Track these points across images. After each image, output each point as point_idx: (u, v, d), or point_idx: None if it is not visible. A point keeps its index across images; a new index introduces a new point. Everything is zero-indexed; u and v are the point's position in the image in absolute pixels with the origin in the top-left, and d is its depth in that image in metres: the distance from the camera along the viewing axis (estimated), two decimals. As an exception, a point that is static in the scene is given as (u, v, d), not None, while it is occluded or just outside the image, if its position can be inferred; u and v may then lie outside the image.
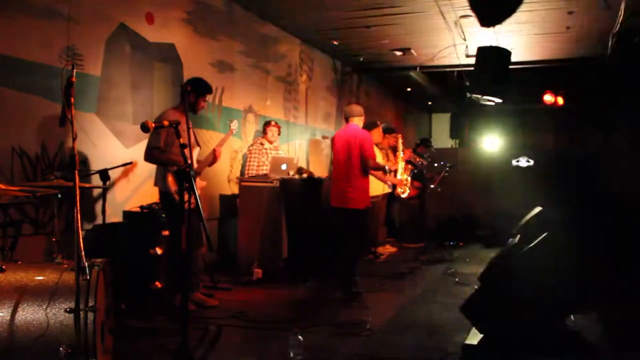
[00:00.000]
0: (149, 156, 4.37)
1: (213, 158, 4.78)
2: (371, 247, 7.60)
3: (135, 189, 5.19)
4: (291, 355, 3.24)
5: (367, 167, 5.30)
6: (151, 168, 5.05)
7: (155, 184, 4.50)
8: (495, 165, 10.08)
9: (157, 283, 4.47)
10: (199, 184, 4.67)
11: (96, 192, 4.73)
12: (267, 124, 6.61)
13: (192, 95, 4.40)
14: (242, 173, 6.60)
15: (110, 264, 3.00)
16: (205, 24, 6.14)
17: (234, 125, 5.12)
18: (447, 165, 8.66)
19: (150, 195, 4.95)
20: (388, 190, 7.62)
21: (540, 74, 9.77)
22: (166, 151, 4.31)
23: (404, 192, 7.40)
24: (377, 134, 7.52)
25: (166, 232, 4.52)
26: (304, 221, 5.98)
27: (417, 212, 8.96)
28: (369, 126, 7.66)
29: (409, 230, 9.09)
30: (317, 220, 6.18)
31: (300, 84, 8.38)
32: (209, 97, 6.24)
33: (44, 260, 3.86)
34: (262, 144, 6.46)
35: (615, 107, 10.21)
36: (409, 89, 11.92)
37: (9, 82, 4.00)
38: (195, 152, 4.70)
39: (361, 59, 9.38)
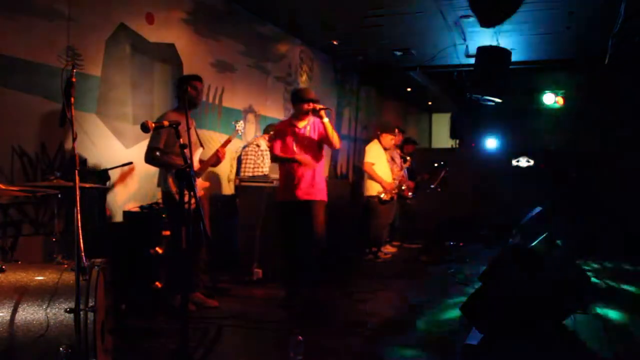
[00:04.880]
0: (149, 157, 4.39)
1: (217, 159, 4.77)
2: (372, 248, 7.61)
3: (138, 190, 5.19)
4: (291, 355, 3.24)
5: None
6: (155, 169, 5.06)
7: (159, 185, 4.53)
8: (495, 165, 10.07)
9: (157, 283, 4.48)
10: (201, 184, 4.69)
11: (97, 192, 4.73)
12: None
13: (184, 89, 4.40)
14: (237, 174, 6.58)
15: (110, 264, 3.00)
16: (205, 24, 6.14)
17: (240, 126, 5.11)
18: (445, 165, 8.68)
19: (153, 196, 4.96)
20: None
21: (540, 74, 9.77)
22: (167, 152, 4.31)
23: (387, 198, 7.48)
24: (386, 138, 7.62)
25: (166, 232, 4.52)
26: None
27: (415, 212, 8.98)
28: (381, 128, 7.88)
29: (408, 230, 9.10)
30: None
31: (300, 84, 8.38)
32: (211, 99, 6.29)
33: (44, 260, 3.87)
34: (258, 145, 6.44)
35: (615, 107, 10.21)
36: (409, 89, 11.91)
37: (9, 82, 4.00)
38: (199, 152, 4.71)
39: (361, 59, 9.38)
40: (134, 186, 5.16)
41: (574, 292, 3.74)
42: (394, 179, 7.65)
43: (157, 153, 4.33)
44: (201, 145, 4.74)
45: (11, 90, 4.02)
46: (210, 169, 5.12)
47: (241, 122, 5.13)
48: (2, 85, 3.95)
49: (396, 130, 7.89)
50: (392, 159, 7.90)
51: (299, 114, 5.12)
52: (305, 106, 5.04)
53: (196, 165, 4.70)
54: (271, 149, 5.28)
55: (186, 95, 4.35)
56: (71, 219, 4.28)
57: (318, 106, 5.00)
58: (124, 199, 5.05)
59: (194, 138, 4.66)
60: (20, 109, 4.09)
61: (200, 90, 4.61)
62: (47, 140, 4.29)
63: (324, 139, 5.07)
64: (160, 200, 4.69)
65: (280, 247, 5.21)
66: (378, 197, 7.46)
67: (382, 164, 7.60)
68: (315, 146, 5.10)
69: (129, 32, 5.09)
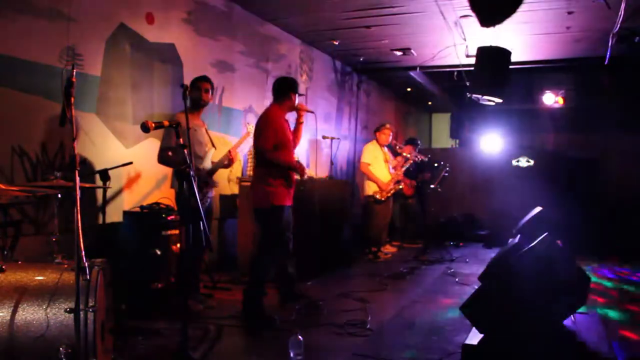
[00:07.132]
0: (161, 157, 4.42)
1: (229, 160, 4.79)
2: (372, 247, 7.61)
3: (146, 192, 5.20)
4: (291, 355, 3.24)
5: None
6: (159, 171, 5.06)
7: (172, 186, 4.56)
8: (495, 165, 10.08)
9: (156, 283, 4.48)
10: (212, 184, 4.74)
11: (97, 192, 4.73)
12: None
13: (185, 89, 4.41)
14: (243, 173, 6.60)
15: (110, 264, 3.00)
16: (205, 24, 6.14)
17: (251, 128, 5.14)
18: (447, 166, 8.69)
19: (159, 198, 4.96)
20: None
21: (540, 74, 9.77)
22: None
23: (382, 198, 7.52)
24: (382, 136, 7.73)
25: (173, 232, 4.53)
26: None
27: (416, 211, 8.97)
28: (375, 128, 8.03)
29: (408, 230, 9.10)
30: (318, 220, 6.18)
31: (300, 84, 8.38)
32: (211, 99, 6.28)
33: (44, 260, 3.87)
34: None
35: (615, 107, 10.20)
36: (409, 89, 11.91)
37: (9, 82, 4.00)
38: (210, 152, 4.72)
39: (361, 59, 9.39)
40: (143, 188, 5.17)
41: (574, 292, 3.74)
42: (392, 178, 7.68)
43: (170, 153, 4.34)
44: (213, 145, 4.76)
45: (11, 90, 4.02)
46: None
47: (252, 124, 5.17)
48: (2, 85, 3.96)
49: (387, 125, 7.95)
50: (389, 156, 7.94)
51: (286, 107, 4.58)
52: (296, 100, 4.58)
53: (208, 165, 4.73)
54: (268, 142, 4.40)
55: (185, 95, 4.36)
56: (71, 219, 4.28)
57: (306, 107, 4.76)
58: (134, 202, 5.06)
59: (205, 138, 4.69)
60: (20, 109, 4.09)
61: (204, 90, 4.64)
62: (47, 140, 4.29)
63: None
64: (160, 201, 4.69)
65: (275, 252, 4.63)
66: (373, 196, 7.50)
67: (378, 164, 7.66)
68: None
69: (129, 32, 5.09)
